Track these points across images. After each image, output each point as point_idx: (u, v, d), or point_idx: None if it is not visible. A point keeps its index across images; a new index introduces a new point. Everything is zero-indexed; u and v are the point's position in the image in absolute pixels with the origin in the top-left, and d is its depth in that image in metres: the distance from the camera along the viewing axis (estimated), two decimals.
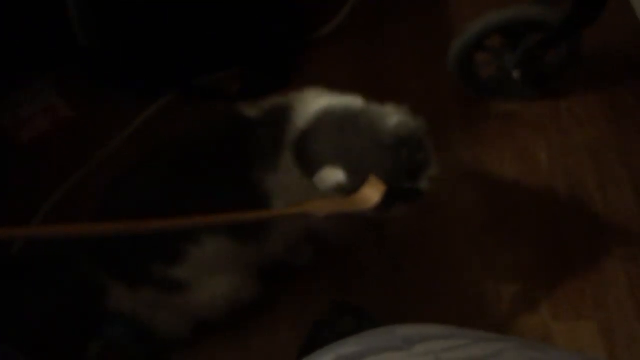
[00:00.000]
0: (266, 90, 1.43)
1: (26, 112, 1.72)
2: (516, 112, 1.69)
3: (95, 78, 1.71)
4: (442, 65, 1.60)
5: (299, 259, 1.41)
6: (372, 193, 1.02)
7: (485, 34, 1.51)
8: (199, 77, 1.65)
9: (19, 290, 1.21)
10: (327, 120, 1.10)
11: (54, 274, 1.22)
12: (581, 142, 1.63)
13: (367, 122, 1.09)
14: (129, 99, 1.73)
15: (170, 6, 1.56)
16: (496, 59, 1.61)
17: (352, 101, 1.13)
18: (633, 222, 1.49)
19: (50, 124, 1.71)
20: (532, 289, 1.40)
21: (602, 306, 1.37)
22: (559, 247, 1.46)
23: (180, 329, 1.31)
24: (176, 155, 1.19)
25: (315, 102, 1.13)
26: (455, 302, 1.39)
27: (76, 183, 1.59)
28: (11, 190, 1.59)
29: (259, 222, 1.15)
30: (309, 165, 1.09)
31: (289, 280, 1.42)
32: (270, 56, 1.73)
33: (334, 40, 1.80)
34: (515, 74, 1.60)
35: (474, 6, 1.77)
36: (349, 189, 1.06)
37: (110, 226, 0.95)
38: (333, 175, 1.05)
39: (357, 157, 1.07)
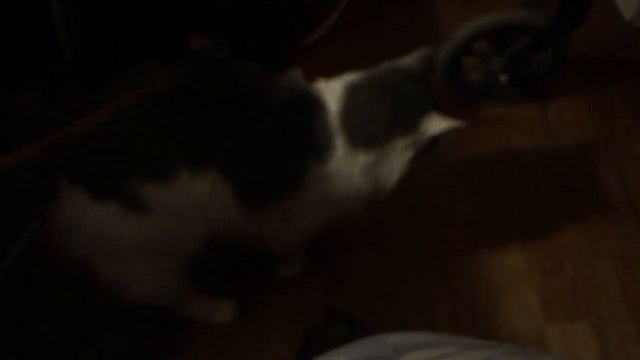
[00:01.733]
0: None
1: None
2: (504, 115, 1.70)
3: (83, 87, 1.70)
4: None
5: (290, 259, 1.40)
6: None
7: (472, 38, 1.52)
8: None
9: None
10: (357, 94, 1.11)
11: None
12: (569, 143, 1.64)
13: (387, 77, 1.12)
14: None
15: (156, 14, 1.55)
16: (484, 63, 1.63)
17: (357, 74, 1.14)
18: (622, 222, 1.50)
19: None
20: (524, 292, 1.40)
21: (594, 307, 1.38)
22: (549, 248, 1.46)
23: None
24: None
25: (333, 86, 1.13)
26: (448, 306, 1.39)
27: None
28: None
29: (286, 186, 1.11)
30: (372, 137, 1.09)
31: (281, 288, 1.42)
32: (260, 60, 1.72)
33: (323, 45, 1.80)
34: (503, 78, 1.62)
35: (461, 11, 1.79)
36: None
37: None
38: (439, 123, 1.09)
39: (406, 105, 1.10)
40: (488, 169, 1.60)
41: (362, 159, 1.10)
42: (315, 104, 1.10)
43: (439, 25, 1.86)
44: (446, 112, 1.12)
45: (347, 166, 1.11)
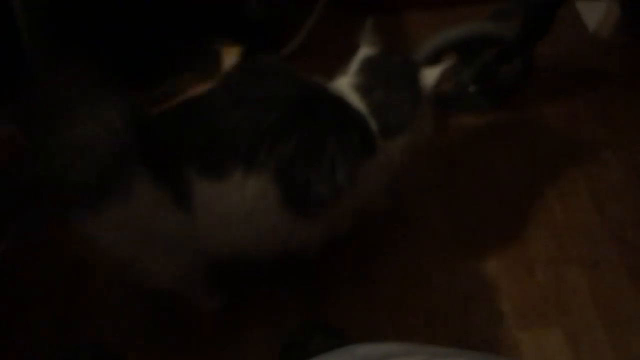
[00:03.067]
0: None
1: None
2: (475, 126, 1.72)
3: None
4: None
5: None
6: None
7: (441, 50, 1.54)
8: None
9: None
10: (372, 92, 1.18)
11: None
12: (539, 152, 1.67)
13: (386, 72, 1.20)
14: None
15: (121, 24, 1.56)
16: (453, 75, 1.64)
17: (353, 74, 1.21)
18: (592, 230, 1.52)
19: (8, 154, 1.66)
20: (497, 299, 1.42)
21: (566, 313, 1.40)
22: (522, 256, 1.48)
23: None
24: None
25: (341, 81, 1.20)
26: (424, 314, 1.40)
27: None
28: None
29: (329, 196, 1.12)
30: (400, 126, 1.19)
31: (259, 300, 1.42)
32: None
33: (301, 55, 1.80)
34: (472, 89, 1.64)
35: (430, 25, 1.81)
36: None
37: None
38: (432, 72, 1.19)
39: (411, 86, 1.19)
40: (461, 178, 1.62)
41: (396, 144, 1.19)
42: (350, 105, 1.16)
43: (409, 38, 1.88)
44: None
45: (384, 157, 1.19)
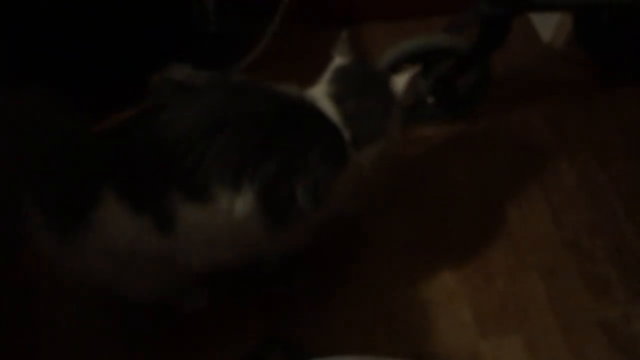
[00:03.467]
0: None
1: None
2: (433, 137, 1.74)
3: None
4: None
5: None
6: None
7: (399, 61, 1.55)
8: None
9: None
10: (345, 102, 1.19)
11: None
12: (496, 162, 1.69)
13: (359, 80, 1.23)
14: None
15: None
16: (411, 86, 1.65)
17: (324, 84, 1.23)
18: (548, 237, 1.55)
19: None
20: (458, 309, 1.43)
21: (524, 320, 1.41)
22: (480, 265, 1.50)
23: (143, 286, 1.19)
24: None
25: (316, 89, 1.22)
26: (385, 327, 1.40)
27: None
28: None
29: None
30: (373, 134, 1.21)
31: (217, 316, 1.39)
32: None
33: (253, 71, 1.79)
34: (429, 100, 1.65)
35: (388, 37, 1.83)
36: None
37: None
38: (400, 80, 1.22)
39: (383, 94, 1.23)
40: (419, 189, 1.63)
41: (367, 153, 1.21)
42: (324, 114, 1.17)
43: (367, 50, 1.89)
44: None
45: (354, 166, 1.20)
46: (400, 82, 1.22)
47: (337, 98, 1.19)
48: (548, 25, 1.94)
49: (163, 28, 1.62)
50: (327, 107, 1.18)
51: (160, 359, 1.34)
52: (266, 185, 1.05)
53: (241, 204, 1.05)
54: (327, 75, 1.23)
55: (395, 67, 1.56)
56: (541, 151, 1.71)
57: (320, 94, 1.20)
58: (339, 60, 1.25)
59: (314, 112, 1.16)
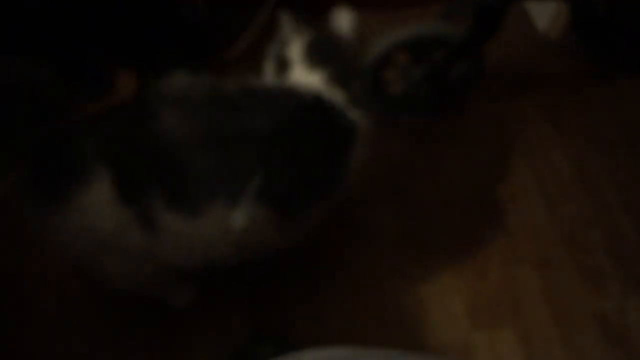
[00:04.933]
0: None
1: None
2: (426, 129, 1.72)
3: None
4: None
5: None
6: None
7: (391, 50, 1.53)
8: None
9: None
10: (336, 67, 1.16)
11: None
12: (490, 153, 1.67)
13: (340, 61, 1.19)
14: None
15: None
16: (403, 77, 1.64)
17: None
18: (543, 229, 1.53)
19: None
20: (450, 301, 1.41)
21: (518, 313, 1.40)
22: (474, 257, 1.48)
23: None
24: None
25: (308, 77, 1.17)
26: (376, 318, 1.39)
27: None
28: None
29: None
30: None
31: (204, 312, 1.38)
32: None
33: (238, 63, 1.78)
34: (422, 91, 1.64)
35: (379, 25, 1.80)
36: None
37: None
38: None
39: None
40: (411, 181, 1.61)
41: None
42: (327, 103, 1.13)
43: (360, 39, 1.87)
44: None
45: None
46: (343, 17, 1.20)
47: (340, 81, 1.15)
48: (543, 15, 1.92)
49: (150, 14, 1.60)
50: (331, 92, 1.14)
51: (146, 354, 1.32)
52: (277, 195, 1.04)
53: (238, 219, 1.03)
54: (303, 58, 1.17)
55: (387, 57, 1.54)
56: (536, 142, 1.70)
57: (318, 82, 1.15)
58: (304, 38, 1.19)
59: (317, 105, 1.13)
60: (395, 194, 1.59)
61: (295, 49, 1.18)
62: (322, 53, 1.16)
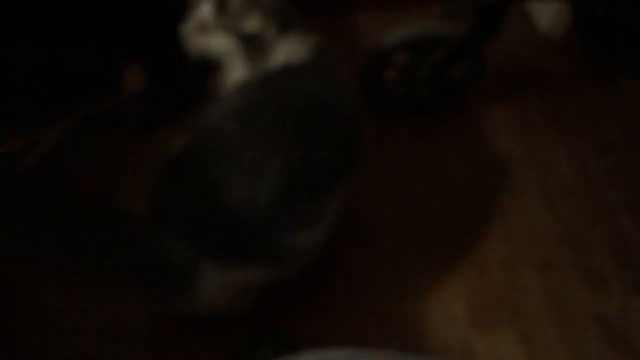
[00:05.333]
0: (172, 114, 1.38)
1: None
2: (426, 127, 1.71)
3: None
4: (352, 83, 1.60)
5: None
6: None
7: (393, 49, 1.53)
8: (95, 105, 1.56)
9: None
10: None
11: None
12: (491, 153, 1.67)
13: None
14: None
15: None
16: (404, 75, 1.64)
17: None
18: (544, 230, 1.53)
19: None
20: (451, 302, 1.41)
21: (520, 314, 1.39)
22: (474, 258, 1.48)
23: None
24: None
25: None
26: (376, 320, 1.38)
27: None
28: None
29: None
30: None
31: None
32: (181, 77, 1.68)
33: None
34: (423, 90, 1.63)
35: (380, 24, 1.80)
36: None
37: None
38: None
39: None
40: (412, 180, 1.61)
41: None
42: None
43: (360, 39, 1.87)
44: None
45: None
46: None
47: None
48: (545, 15, 1.92)
49: (159, 7, 1.59)
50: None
51: (146, 354, 1.31)
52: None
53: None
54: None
55: (390, 55, 1.54)
56: (536, 142, 1.69)
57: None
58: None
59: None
60: (395, 194, 1.58)
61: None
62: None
